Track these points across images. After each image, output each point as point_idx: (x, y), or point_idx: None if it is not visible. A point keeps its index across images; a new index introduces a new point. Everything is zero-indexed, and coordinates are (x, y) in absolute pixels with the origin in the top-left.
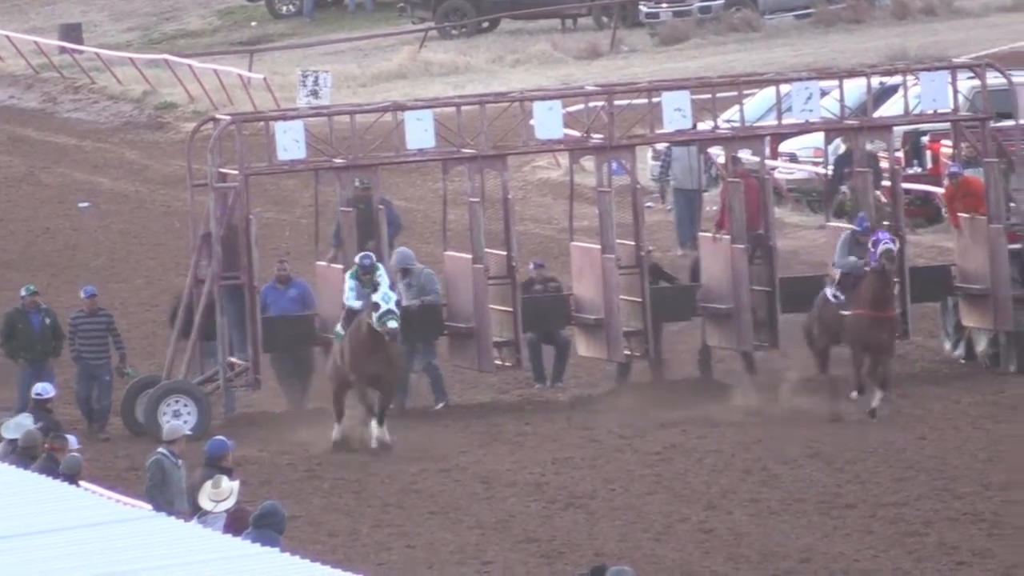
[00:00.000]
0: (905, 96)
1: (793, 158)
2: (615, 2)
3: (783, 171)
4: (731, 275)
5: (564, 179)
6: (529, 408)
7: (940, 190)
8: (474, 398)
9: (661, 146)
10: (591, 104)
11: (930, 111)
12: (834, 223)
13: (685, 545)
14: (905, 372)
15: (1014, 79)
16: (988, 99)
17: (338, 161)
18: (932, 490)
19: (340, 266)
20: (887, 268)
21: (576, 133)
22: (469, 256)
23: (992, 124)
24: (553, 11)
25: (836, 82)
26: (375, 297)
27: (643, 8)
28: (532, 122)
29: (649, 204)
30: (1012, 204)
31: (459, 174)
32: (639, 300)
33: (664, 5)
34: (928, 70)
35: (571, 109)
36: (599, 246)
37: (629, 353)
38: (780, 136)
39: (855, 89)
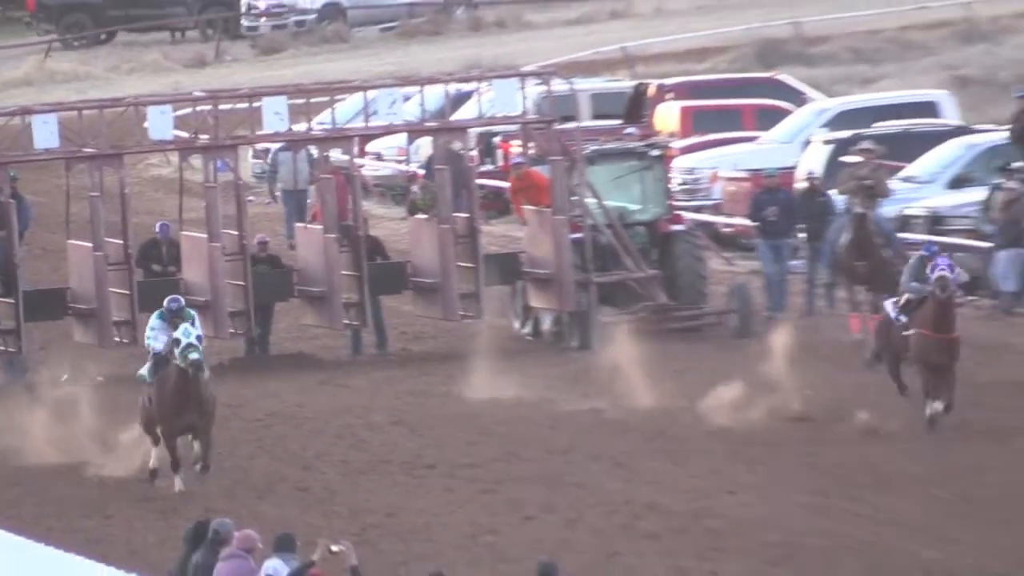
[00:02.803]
0: (479, 101)
1: (379, 156)
2: (219, 16)
3: (370, 168)
4: (324, 261)
5: (174, 176)
6: None
7: (509, 185)
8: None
9: (261, 146)
10: (198, 108)
11: (501, 114)
12: (419, 217)
13: (284, 502)
14: (479, 349)
15: (576, 86)
16: (553, 104)
17: None
18: (502, 453)
19: None
20: (939, 296)
21: (185, 134)
22: (91, 244)
23: (557, 126)
24: (163, 24)
25: (417, 88)
26: (176, 334)
27: (244, 22)
28: (146, 124)
29: (251, 198)
30: (574, 198)
31: (81, 171)
32: (243, 283)
33: (263, 19)
34: (500, 77)
35: (180, 113)
36: (206, 235)
37: (233, 331)
38: (367, 137)
39: (434, 95)
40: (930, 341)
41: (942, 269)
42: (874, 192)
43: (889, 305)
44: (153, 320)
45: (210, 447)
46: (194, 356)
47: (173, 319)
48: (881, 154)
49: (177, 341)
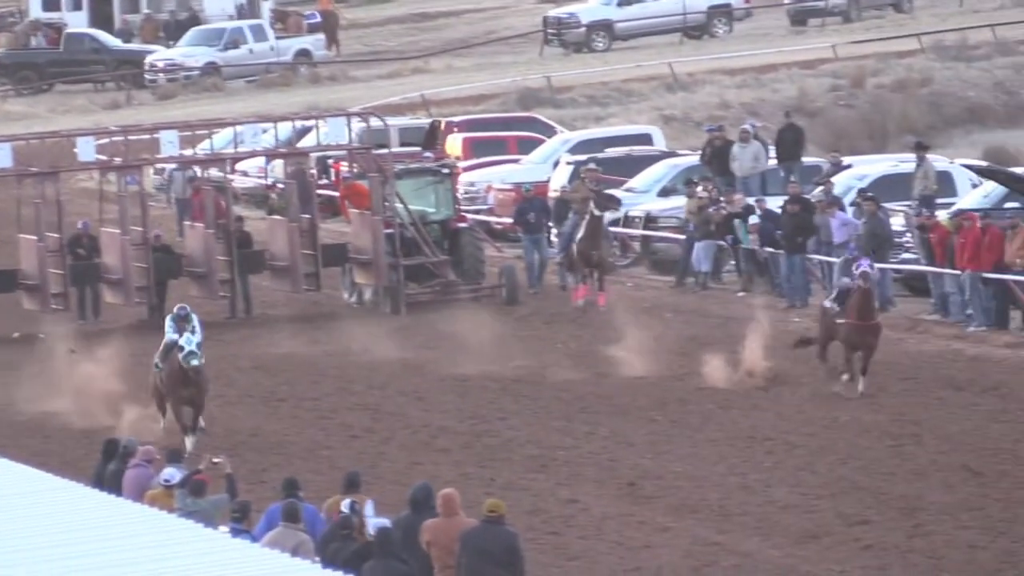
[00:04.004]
0: (318, 133)
1: (245, 173)
2: (129, 72)
3: (239, 182)
4: (204, 250)
5: (96, 188)
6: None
7: (339, 194)
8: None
9: (159, 166)
10: (114, 139)
11: (334, 143)
12: (275, 217)
13: (175, 426)
14: (319, 313)
15: (388, 122)
16: (371, 135)
17: None
18: (335, 389)
19: None
20: (862, 286)
21: (104, 157)
22: (35, 237)
23: (374, 151)
24: (88, 78)
25: (272, 124)
26: (180, 341)
27: (147, 76)
28: (76, 150)
29: (152, 204)
30: (387, 203)
31: (28, 185)
32: (145, 266)
33: (161, 74)
34: (333, 116)
35: (101, 142)
36: (119, 231)
37: (138, 300)
38: (237, 159)
39: (285, 129)
40: (857, 328)
41: (863, 267)
42: (603, 199)
43: (826, 302)
44: (168, 322)
45: (201, 413)
46: (194, 363)
47: (180, 323)
48: (602, 172)
49: (180, 347)
